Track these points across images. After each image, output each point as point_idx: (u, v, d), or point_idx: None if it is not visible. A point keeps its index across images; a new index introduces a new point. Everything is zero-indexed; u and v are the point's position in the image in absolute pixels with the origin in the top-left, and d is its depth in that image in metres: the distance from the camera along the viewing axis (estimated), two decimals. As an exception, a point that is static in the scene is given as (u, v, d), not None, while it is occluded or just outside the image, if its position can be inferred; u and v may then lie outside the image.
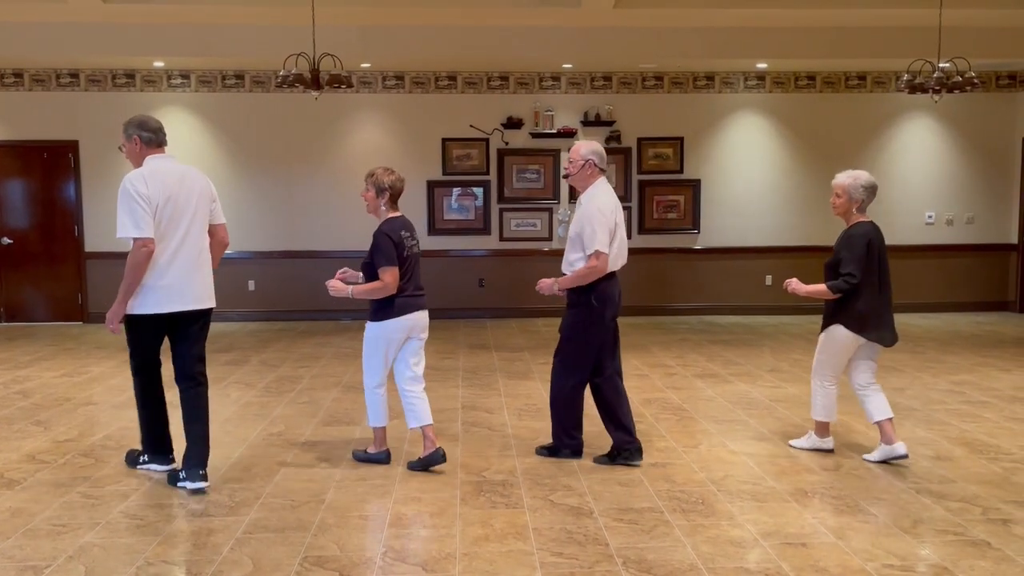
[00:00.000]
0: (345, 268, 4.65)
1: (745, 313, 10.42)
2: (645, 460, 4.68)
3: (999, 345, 8.42)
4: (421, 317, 4.54)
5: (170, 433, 4.56)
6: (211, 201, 4.40)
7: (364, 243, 4.64)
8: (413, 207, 10.28)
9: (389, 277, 4.37)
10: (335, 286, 4.48)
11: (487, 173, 10.39)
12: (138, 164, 4.27)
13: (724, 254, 10.57)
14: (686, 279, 10.59)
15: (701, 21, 9.04)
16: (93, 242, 10.11)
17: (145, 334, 4.30)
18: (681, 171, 10.52)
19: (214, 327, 4.74)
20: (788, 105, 10.54)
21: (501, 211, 10.43)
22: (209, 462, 4.33)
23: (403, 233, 4.46)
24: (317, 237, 10.20)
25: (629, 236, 10.16)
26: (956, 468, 4.55)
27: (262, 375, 7.12)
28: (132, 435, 5.24)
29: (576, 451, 4.73)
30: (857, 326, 4.54)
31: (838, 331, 4.58)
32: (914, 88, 7.54)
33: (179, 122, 9.91)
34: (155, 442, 4.55)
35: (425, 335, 4.61)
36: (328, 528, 3.76)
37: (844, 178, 4.66)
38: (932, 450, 4.88)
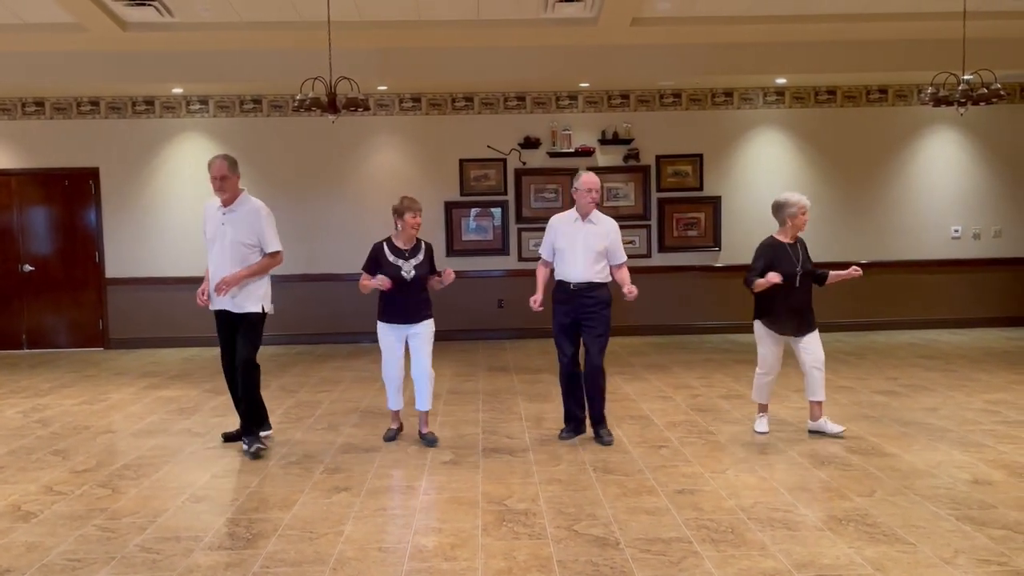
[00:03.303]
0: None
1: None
2: (672, 487, 4.56)
3: (1032, 361, 8.21)
4: None
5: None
6: None
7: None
8: (431, 228, 10.22)
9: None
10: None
11: (505, 193, 10.34)
12: (235, 192, 5.35)
13: (746, 271, 10.39)
14: (708, 297, 10.45)
15: (719, 37, 8.96)
16: (114, 268, 10.15)
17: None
18: (701, 188, 10.41)
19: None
20: (808, 120, 10.42)
21: (519, 231, 10.36)
22: (226, 493, 4.54)
23: None
24: (336, 260, 10.17)
25: (648, 255, 10.37)
26: (996, 493, 4.38)
27: (280, 401, 7.05)
28: (150, 463, 5.20)
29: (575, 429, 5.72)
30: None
31: (756, 326, 5.73)
32: (939, 101, 7.40)
33: (198, 147, 9.95)
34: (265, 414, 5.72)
35: None
36: (347, 561, 3.67)
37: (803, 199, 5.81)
38: (970, 474, 4.71)
